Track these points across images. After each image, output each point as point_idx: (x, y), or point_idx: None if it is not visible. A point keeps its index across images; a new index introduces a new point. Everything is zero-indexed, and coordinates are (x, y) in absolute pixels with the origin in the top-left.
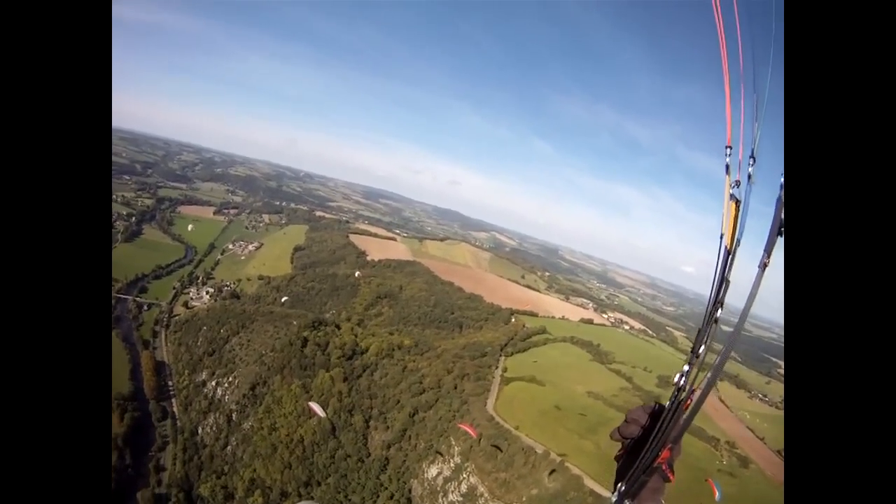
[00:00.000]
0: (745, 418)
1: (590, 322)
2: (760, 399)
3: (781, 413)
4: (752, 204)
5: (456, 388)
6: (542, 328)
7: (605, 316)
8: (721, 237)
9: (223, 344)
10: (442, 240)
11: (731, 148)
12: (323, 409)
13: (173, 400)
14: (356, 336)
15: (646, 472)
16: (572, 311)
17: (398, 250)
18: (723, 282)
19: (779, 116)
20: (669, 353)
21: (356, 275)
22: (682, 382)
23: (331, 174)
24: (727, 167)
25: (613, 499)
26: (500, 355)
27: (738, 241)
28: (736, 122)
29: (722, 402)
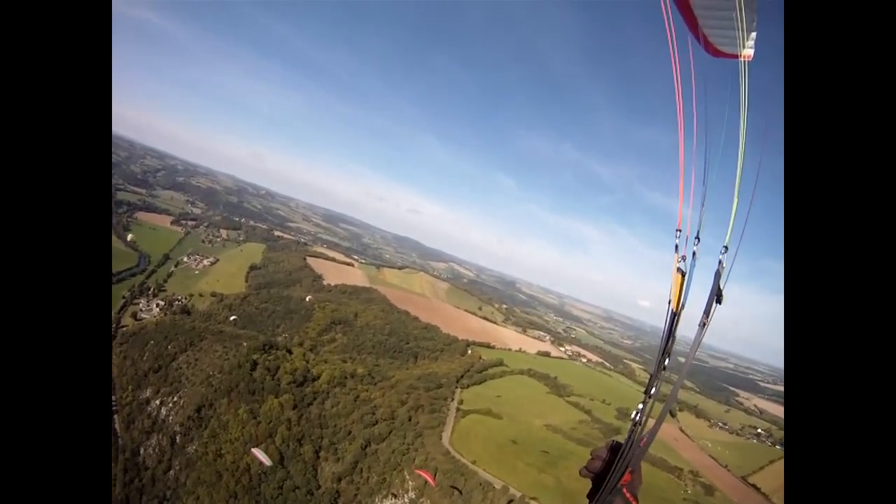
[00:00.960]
0: (706, 447)
1: (547, 355)
2: (721, 427)
3: (743, 440)
4: (695, 275)
5: (410, 419)
6: (499, 360)
7: (563, 349)
8: (669, 302)
9: (170, 361)
10: (400, 268)
11: (680, 231)
12: (267, 456)
13: (115, 416)
14: (308, 362)
15: (611, 493)
16: (529, 344)
17: (355, 276)
18: (669, 338)
19: (721, 205)
20: (627, 386)
21: (307, 299)
22: (637, 418)
23: (293, 194)
24: (676, 246)
25: None
26: (456, 387)
27: (683, 305)
28: (685, 208)
29: (683, 432)
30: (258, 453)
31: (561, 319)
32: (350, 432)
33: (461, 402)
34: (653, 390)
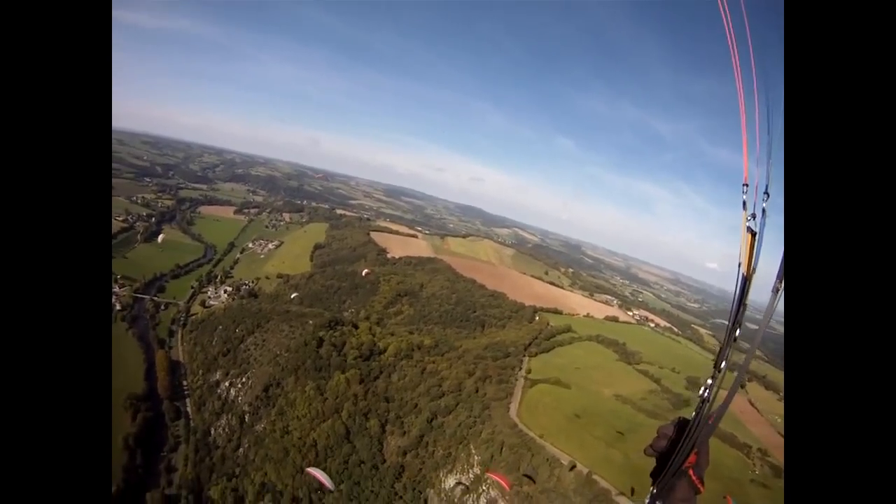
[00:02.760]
0: (775, 422)
1: (615, 320)
2: None
3: None
4: (766, 235)
5: (477, 391)
6: (567, 326)
7: (631, 313)
8: (739, 265)
9: (238, 343)
10: (464, 236)
11: (747, 185)
12: (328, 477)
13: (187, 400)
14: (374, 336)
15: (675, 475)
16: (597, 308)
17: (420, 247)
18: (741, 306)
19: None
20: (696, 353)
21: (363, 273)
22: (706, 395)
23: (353, 173)
24: (744, 203)
25: (646, 501)
26: (524, 355)
27: (755, 268)
28: (752, 162)
29: (752, 405)
30: (316, 473)
31: (627, 282)
32: (416, 405)
33: (529, 371)
34: (723, 364)
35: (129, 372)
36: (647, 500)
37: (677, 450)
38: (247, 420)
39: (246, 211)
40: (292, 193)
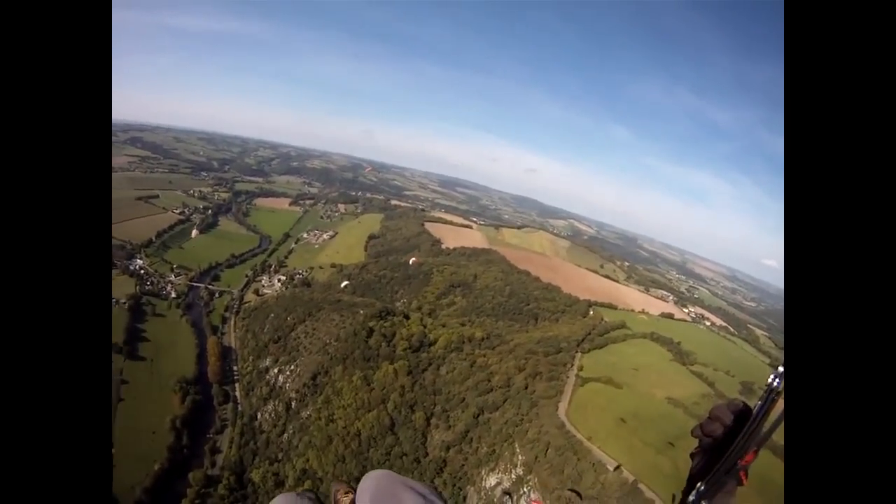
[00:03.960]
0: None
1: (670, 317)
2: None
3: None
4: None
5: (527, 388)
6: (621, 322)
7: (686, 310)
8: None
9: (289, 331)
10: (519, 227)
11: None
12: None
13: (236, 385)
14: (425, 327)
15: (728, 474)
16: (652, 304)
17: (474, 238)
18: None
19: None
20: (751, 356)
21: (410, 262)
22: (776, 384)
23: (408, 164)
24: None
25: (691, 498)
26: (577, 351)
27: None
28: None
29: None
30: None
31: (684, 278)
32: (463, 399)
33: (581, 368)
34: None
35: (180, 357)
36: (691, 498)
37: (735, 445)
38: (293, 407)
39: (301, 202)
40: (347, 185)
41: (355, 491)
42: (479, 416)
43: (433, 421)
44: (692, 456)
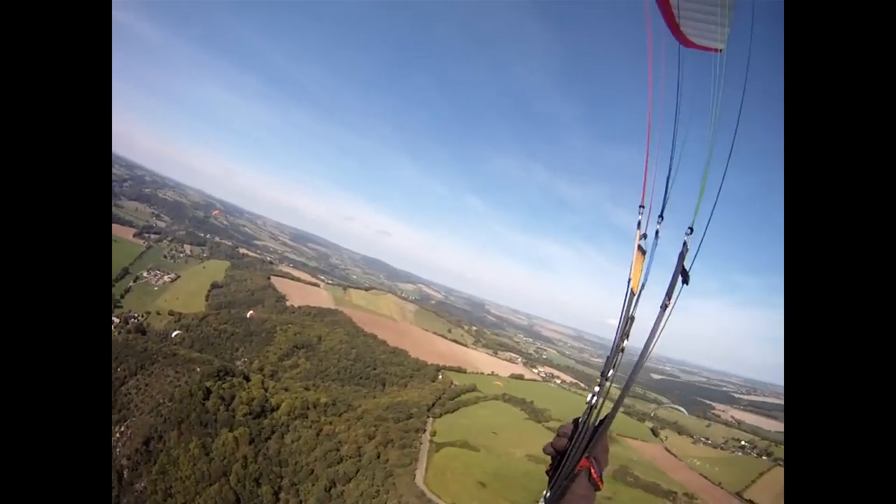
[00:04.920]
0: (695, 465)
1: (520, 378)
2: (704, 442)
3: (728, 454)
4: (658, 254)
5: (379, 457)
6: (472, 385)
7: (536, 371)
8: (629, 281)
9: (119, 385)
10: (367, 289)
11: (643, 207)
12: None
13: None
14: (266, 390)
15: (567, 478)
16: (502, 367)
17: (321, 297)
18: (628, 318)
19: (686, 184)
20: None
21: (248, 315)
22: (594, 401)
23: (262, 212)
24: (639, 223)
25: (540, 501)
26: (428, 416)
27: (643, 285)
28: (649, 186)
29: (669, 451)
30: None
31: (531, 340)
32: (312, 471)
33: (434, 433)
34: (610, 373)
35: None
36: (541, 501)
37: (567, 455)
38: (125, 476)
39: (146, 235)
40: (197, 224)
41: None
42: (331, 489)
43: (282, 496)
44: (547, 473)
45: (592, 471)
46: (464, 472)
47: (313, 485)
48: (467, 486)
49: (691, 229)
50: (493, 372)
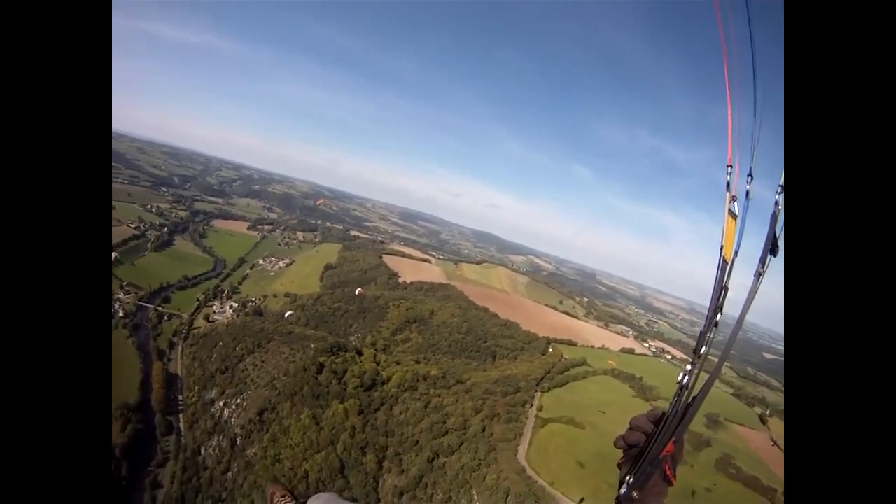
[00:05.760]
0: None
1: (631, 352)
2: None
3: None
4: (750, 218)
5: (484, 430)
6: (581, 359)
7: (647, 345)
8: (721, 249)
9: (237, 362)
10: (478, 263)
11: (731, 166)
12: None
13: (180, 416)
14: (378, 364)
15: (652, 465)
16: (612, 340)
17: (432, 272)
18: (721, 289)
19: (777, 136)
20: (715, 387)
21: (357, 292)
22: (685, 381)
23: (370, 195)
24: (727, 184)
25: (622, 491)
26: (536, 391)
27: (736, 252)
28: (736, 141)
29: (774, 443)
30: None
31: (643, 312)
32: (417, 442)
33: (541, 408)
34: (703, 349)
35: (123, 381)
36: (621, 491)
37: (654, 438)
38: (238, 443)
39: (260, 227)
40: (308, 212)
41: (295, 498)
42: (433, 460)
43: (385, 464)
44: (619, 466)
45: (667, 466)
46: (566, 450)
47: (416, 455)
48: (568, 464)
49: (782, 187)
50: (603, 346)
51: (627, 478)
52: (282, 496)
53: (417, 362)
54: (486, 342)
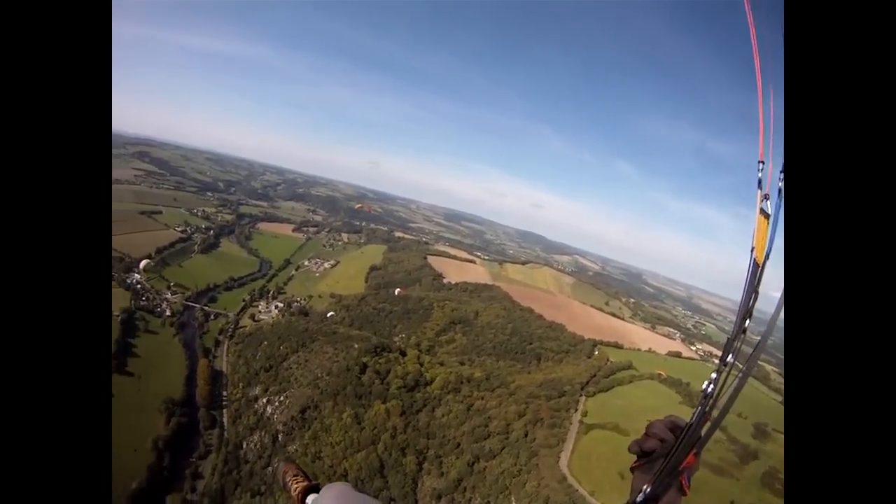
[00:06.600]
0: None
1: (678, 355)
2: None
3: None
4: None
5: (526, 435)
6: (627, 363)
7: (694, 348)
8: (752, 250)
9: (281, 361)
10: (523, 263)
11: (762, 162)
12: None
13: (224, 411)
14: (422, 365)
15: (671, 476)
16: (659, 343)
17: (477, 273)
18: (752, 294)
19: None
20: (763, 394)
21: (396, 292)
22: (710, 390)
23: (414, 196)
24: (759, 181)
25: (639, 499)
26: (581, 395)
27: (768, 254)
28: (767, 136)
29: None
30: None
31: (690, 313)
32: (458, 445)
33: (585, 413)
34: (729, 357)
35: (169, 376)
36: (638, 499)
37: (675, 448)
38: (280, 439)
39: (304, 229)
40: (352, 214)
41: (307, 478)
42: (474, 464)
43: (425, 466)
44: (632, 470)
45: (683, 478)
46: (610, 459)
47: (457, 458)
48: (610, 473)
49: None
50: (650, 349)
51: (645, 487)
52: (294, 475)
53: (461, 364)
54: (530, 344)
